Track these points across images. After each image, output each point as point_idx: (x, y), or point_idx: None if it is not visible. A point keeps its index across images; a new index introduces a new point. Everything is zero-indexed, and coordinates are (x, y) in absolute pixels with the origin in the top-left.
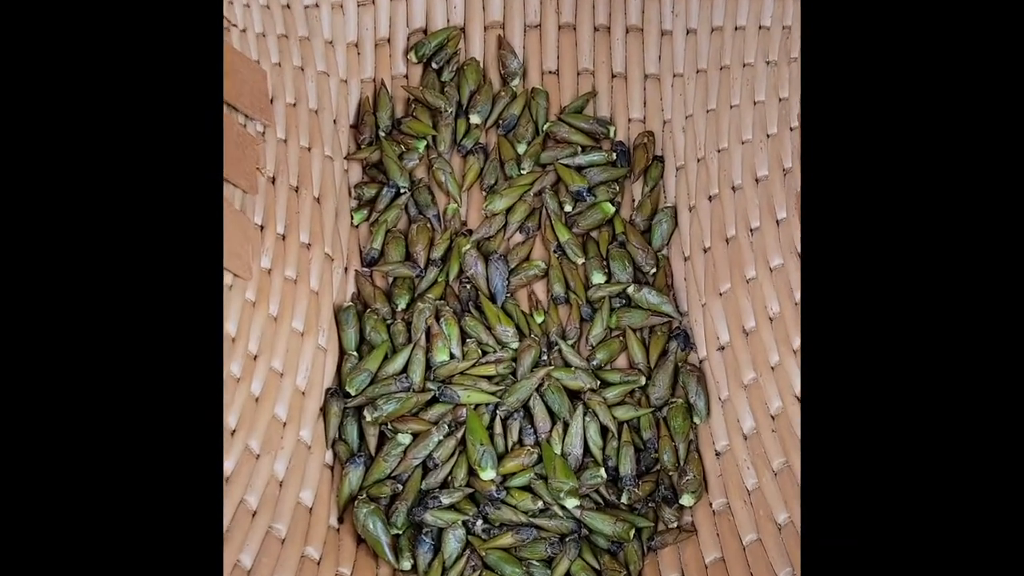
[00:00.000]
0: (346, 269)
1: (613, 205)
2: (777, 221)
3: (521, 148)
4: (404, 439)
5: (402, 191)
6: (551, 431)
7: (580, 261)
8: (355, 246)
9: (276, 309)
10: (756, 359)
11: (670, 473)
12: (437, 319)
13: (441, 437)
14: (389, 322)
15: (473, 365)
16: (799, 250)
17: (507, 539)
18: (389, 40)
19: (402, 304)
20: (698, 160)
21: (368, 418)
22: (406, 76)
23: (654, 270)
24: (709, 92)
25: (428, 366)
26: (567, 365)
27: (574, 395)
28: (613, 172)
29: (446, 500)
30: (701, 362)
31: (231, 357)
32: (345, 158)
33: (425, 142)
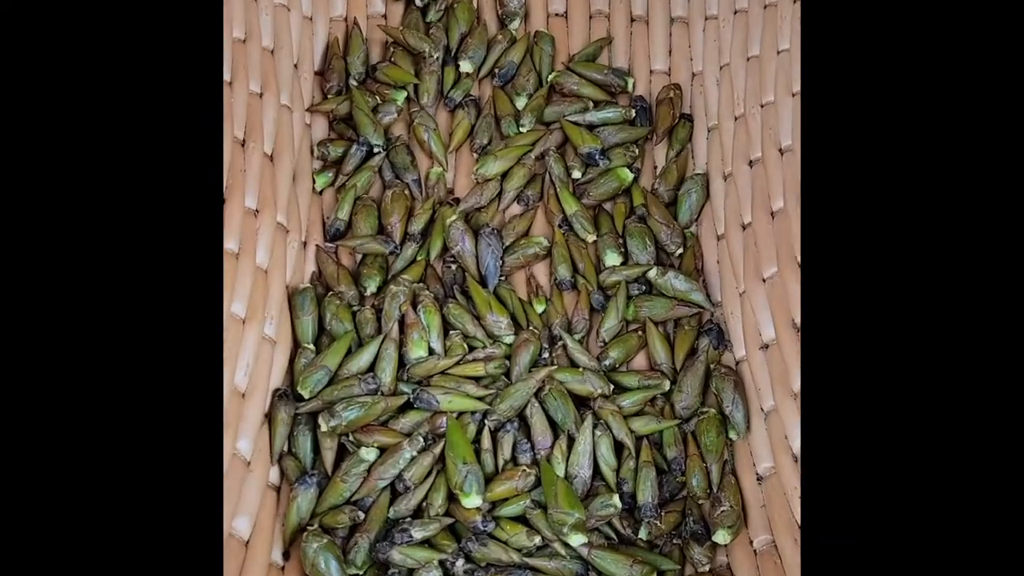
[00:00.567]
0: (304, 243)
1: (631, 171)
2: None
3: (520, 102)
4: (368, 454)
5: (375, 150)
6: (552, 447)
7: (591, 238)
8: (317, 216)
9: None
10: None
11: (700, 502)
12: (414, 306)
13: (415, 453)
14: (355, 309)
15: (457, 363)
16: None
17: None
18: None
19: (372, 287)
20: (736, 118)
21: (324, 427)
22: (384, 15)
23: (681, 250)
24: (751, 36)
25: (401, 363)
26: (573, 365)
27: (582, 402)
28: (631, 132)
29: (419, 534)
30: (738, 364)
31: None
32: (307, 110)
33: (405, 93)
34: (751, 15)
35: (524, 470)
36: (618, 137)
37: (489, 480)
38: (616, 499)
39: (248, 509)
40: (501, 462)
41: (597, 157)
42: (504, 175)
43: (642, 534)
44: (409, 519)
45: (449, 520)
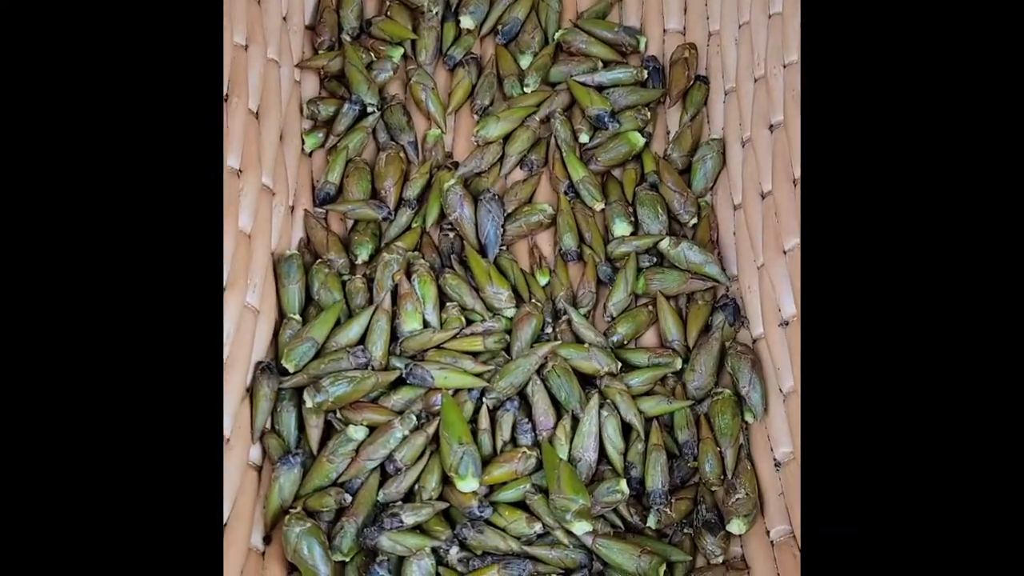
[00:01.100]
0: (292, 208)
1: (643, 136)
2: None
3: (525, 61)
4: (357, 433)
5: (369, 110)
6: (555, 428)
7: (599, 206)
8: (306, 178)
9: None
10: None
11: (713, 488)
12: (408, 276)
13: (406, 432)
14: (345, 278)
15: (453, 337)
16: None
17: (492, 574)
18: None
19: (363, 255)
20: (755, 79)
21: (310, 403)
22: None
23: (695, 220)
24: None
25: (394, 337)
26: (578, 341)
27: (587, 381)
28: (643, 94)
29: (410, 519)
30: (756, 341)
31: None
32: (297, 66)
33: (401, 49)
34: None
35: (524, 452)
36: (629, 99)
37: (486, 462)
38: (623, 484)
39: (227, 490)
40: (500, 443)
41: (606, 120)
42: (506, 138)
43: (651, 522)
44: (400, 503)
45: (443, 505)
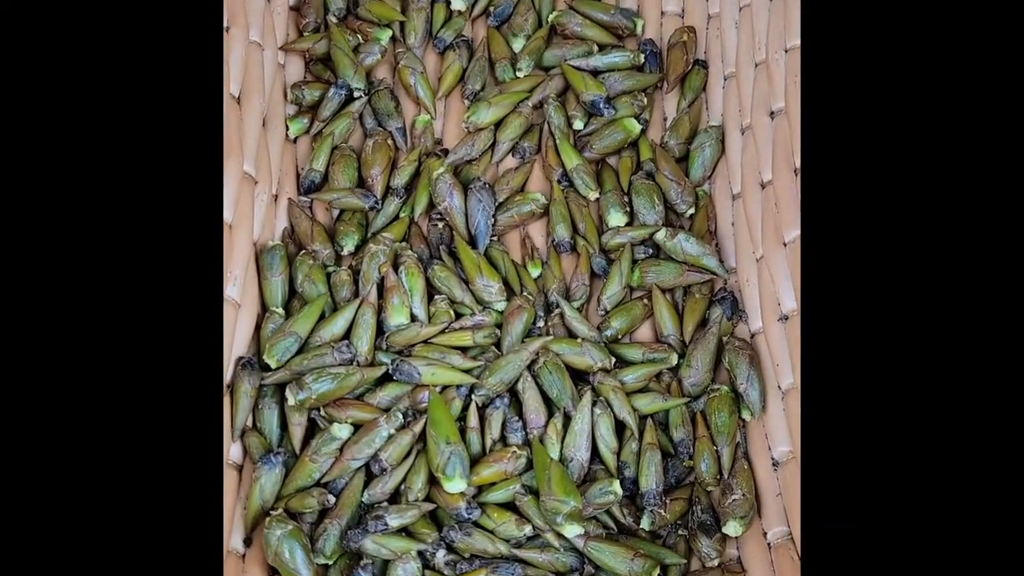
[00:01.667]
0: (275, 196)
1: (639, 123)
2: None
3: (518, 44)
4: (341, 431)
5: (356, 95)
6: (546, 426)
7: (593, 196)
8: (290, 166)
9: None
10: None
11: (709, 489)
12: (395, 268)
13: (392, 431)
14: (330, 270)
15: (441, 332)
16: None
17: None
18: None
19: (349, 246)
20: (756, 64)
21: (292, 400)
22: None
23: (692, 210)
24: None
25: (380, 331)
26: (571, 335)
27: (580, 377)
28: (640, 79)
29: (395, 521)
30: (754, 336)
31: None
32: (281, 48)
33: (389, 32)
34: None
35: (514, 451)
36: (625, 84)
37: (475, 462)
38: (616, 485)
39: None
40: (489, 442)
41: (601, 106)
42: (498, 124)
43: (644, 524)
44: (385, 504)
45: (429, 506)
